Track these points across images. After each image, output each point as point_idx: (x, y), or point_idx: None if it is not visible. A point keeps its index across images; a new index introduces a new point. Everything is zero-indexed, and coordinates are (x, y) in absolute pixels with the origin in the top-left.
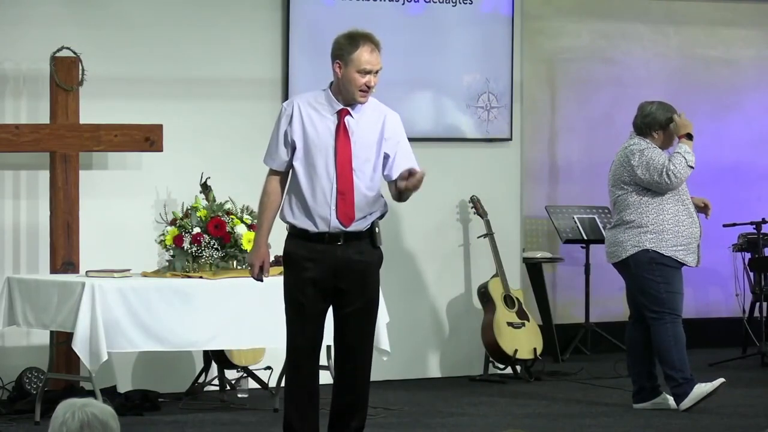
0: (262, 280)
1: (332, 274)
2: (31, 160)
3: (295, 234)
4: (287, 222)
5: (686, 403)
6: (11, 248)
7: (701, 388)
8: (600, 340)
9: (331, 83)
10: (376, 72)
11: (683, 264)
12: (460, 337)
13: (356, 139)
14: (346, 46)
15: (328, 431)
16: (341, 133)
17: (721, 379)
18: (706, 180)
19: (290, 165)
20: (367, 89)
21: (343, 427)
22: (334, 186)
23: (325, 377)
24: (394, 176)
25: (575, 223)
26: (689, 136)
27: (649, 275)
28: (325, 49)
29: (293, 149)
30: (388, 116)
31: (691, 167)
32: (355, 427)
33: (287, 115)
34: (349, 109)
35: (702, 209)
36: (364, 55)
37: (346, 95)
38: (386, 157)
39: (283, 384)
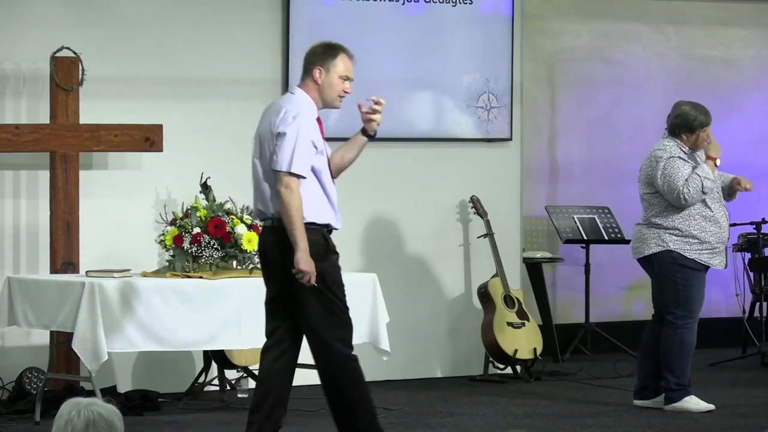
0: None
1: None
2: (31, 160)
3: (316, 228)
4: (318, 221)
5: (670, 408)
6: (11, 248)
7: (690, 404)
8: (600, 340)
9: (300, 89)
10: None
11: (708, 266)
12: (460, 337)
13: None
14: (325, 53)
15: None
16: (323, 138)
17: (713, 407)
18: None
19: None
20: (345, 95)
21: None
22: (335, 187)
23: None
24: None
25: (575, 223)
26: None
27: (671, 276)
28: None
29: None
30: None
31: (705, 193)
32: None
33: (312, 121)
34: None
35: (740, 186)
36: (346, 63)
37: (324, 101)
38: None
39: None
